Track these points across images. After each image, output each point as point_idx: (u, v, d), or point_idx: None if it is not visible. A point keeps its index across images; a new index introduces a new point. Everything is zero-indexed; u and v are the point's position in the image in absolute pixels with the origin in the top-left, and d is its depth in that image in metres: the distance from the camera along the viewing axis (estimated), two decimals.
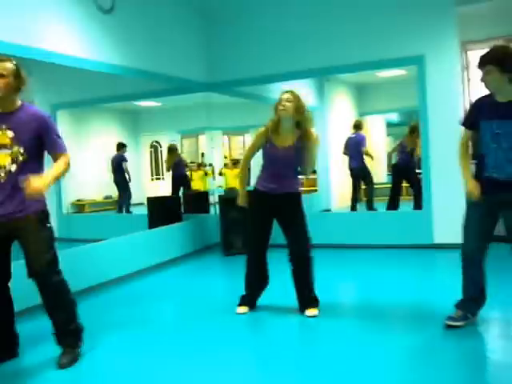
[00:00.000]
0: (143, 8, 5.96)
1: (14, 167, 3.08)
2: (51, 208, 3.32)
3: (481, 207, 3.35)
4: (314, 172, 9.77)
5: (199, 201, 7.98)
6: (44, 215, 3.19)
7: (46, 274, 3.13)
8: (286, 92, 3.89)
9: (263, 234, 4.02)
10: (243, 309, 4.08)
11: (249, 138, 10.15)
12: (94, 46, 5.24)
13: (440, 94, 6.10)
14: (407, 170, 7.91)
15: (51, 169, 3.15)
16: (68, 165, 3.19)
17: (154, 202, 7.53)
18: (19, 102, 3.18)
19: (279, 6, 6.75)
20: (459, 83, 6.26)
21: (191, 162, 9.71)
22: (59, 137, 3.23)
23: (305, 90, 9.03)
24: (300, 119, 3.86)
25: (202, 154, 9.70)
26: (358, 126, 8.64)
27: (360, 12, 6.40)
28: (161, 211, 7.19)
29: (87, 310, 3.56)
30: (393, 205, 7.91)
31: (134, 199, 9.15)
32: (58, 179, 3.23)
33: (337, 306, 4.26)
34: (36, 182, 2.95)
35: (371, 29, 6.33)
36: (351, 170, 8.61)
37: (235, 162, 8.71)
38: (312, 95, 9.22)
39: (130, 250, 5.78)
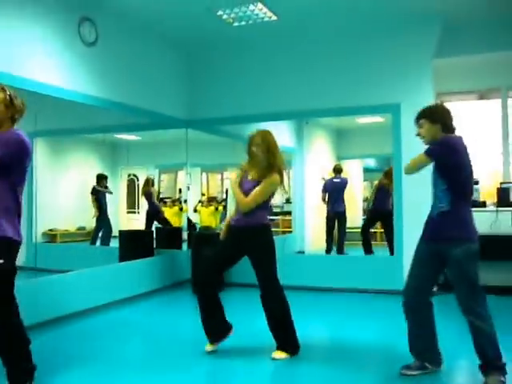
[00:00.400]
0: (126, 43, 6.04)
1: None
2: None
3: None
4: (289, 213, 9.83)
5: (172, 236, 7.92)
6: None
7: None
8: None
9: None
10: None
11: (227, 176, 10.19)
12: (75, 77, 5.28)
13: (414, 142, 6.18)
14: (386, 213, 7.97)
15: None
16: None
17: (127, 236, 7.45)
18: (9, 129, 3.14)
19: (261, 48, 6.90)
20: None
21: (167, 198, 9.68)
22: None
23: (284, 130, 9.18)
24: (272, 161, 3.90)
25: (180, 190, 9.70)
26: (339, 170, 8.70)
27: (341, 59, 6.59)
28: (133, 245, 7.11)
29: (48, 343, 3.47)
30: (368, 249, 7.96)
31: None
32: None
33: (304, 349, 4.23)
34: None
35: (350, 76, 6.50)
36: (336, 213, 8.57)
37: (210, 200, 8.71)
38: (291, 137, 9.34)
39: (97, 282, 5.69)
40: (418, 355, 3.48)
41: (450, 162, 3.28)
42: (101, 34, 5.58)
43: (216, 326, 3.98)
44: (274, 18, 5.98)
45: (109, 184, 9.17)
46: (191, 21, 6.13)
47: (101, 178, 8.85)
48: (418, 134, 3.56)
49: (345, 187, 8.56)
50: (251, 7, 5.66)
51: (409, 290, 3.51)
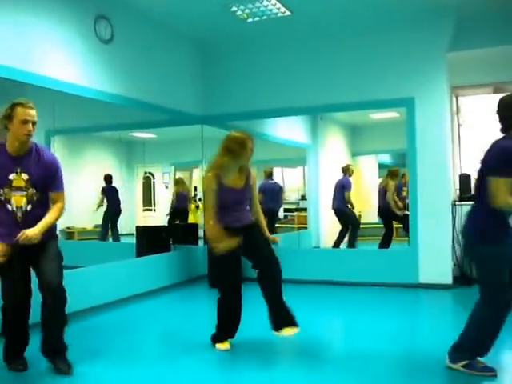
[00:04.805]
0: (141, 40, 6.10)
1: (29, 207, 3.33)
2: None
3: None
4: (305, 210, 9.84)
5: (189, 232, 7.98)
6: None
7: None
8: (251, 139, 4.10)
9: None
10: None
11: None
12: (91, 74, 5.35)
13: (428, 136, 6.22)
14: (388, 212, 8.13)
15: (46, 217, 3.35)
16: (62, 210, 3.44)
17: (143, 232, 7.52)
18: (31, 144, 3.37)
19: (275, 43, 6.92)
20: (448, 126, 6.39)
21: None
22: (62, 177, 3.45)
23: (298, 127, 9.20)
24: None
25: (195, 188, 9.77)
26: (344, 171, 8.75)
27: (354, 53, 6.60)
28: (149, 241, 7.18)
29: (69, 337, 3.54)
30: (384, 244, 7.99)
31: (128, 229, 9.12)
32: (50, 225, 3.39)
33: (318, 345, 4.26)
34: (30, 234, 3.20)
35: (364, 70, 6.51)
36: (334, 210, 8.68)
37: None
38: (305, 134, 9.36)
39: (116, 277, 5.76)
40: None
41: None
42: (116, 32, 5.64)
43: (237, 324, 4.03)
44: (288, 13, 6.00)
45: (124, 182, 9.28)
46: (206, 17, 6.17)
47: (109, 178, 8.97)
48: None
49: (344, 187, 8.52)
50: (265, 3, 5.69)
51: None
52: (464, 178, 6.66)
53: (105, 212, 8.77)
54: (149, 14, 6.00)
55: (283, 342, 4.07)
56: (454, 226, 6.30)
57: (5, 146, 3.29)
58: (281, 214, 10.03)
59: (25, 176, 3.29)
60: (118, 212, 8.81)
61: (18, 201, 3.30)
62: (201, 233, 7.86)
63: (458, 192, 6.69)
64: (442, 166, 6.21)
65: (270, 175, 9.24)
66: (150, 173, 10.40)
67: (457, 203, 6.43)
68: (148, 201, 10.44)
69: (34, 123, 3.27)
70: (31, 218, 3.31)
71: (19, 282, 3.38)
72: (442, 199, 6.21)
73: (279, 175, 10.48)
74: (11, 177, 3.27)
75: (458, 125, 7.19)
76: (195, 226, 8.18)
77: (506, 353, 3.88)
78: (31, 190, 3.32)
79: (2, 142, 3.31)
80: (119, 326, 4.84)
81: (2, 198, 3.29)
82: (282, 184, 9.92)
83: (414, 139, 6.28)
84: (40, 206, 3.36)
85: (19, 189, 3.29)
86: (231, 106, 7.14)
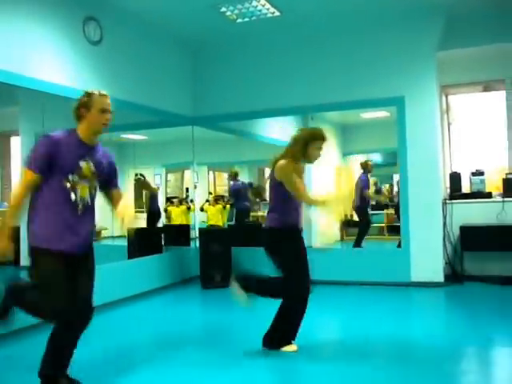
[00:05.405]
0: (130, 41, 6.09)
1: (89, 200, 3.10)
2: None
3: None
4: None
5: (180, 234, 7.97)
6: None
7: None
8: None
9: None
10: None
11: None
12: (80, 75, 5.33)
13: (418, 135, 6.25)
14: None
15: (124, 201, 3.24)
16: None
17: (135, 233, 7.50)
18: None
19: (264, 44, 6.93)
20: (438, 125, 6.41)
21: (174, 197, 9.71)
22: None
23: (289, 127, 9.20)
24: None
25: (187, 189, 9.74)
26: (363, 167, 8.76)
27: (344, 52, 6.61)
28: (141, 242, 7.16)
29: None
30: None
31: (119, 231, 9.07)
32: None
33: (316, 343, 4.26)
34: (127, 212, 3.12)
35: (354, 69, 6.52)
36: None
37: (217, 199, 8.76)
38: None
39: (107, 279, 5.72)
40: None
41: None
42: (105, 33, 5.63)
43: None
44: (277, 13, 6.01)
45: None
46: (195, 18, 6.17)
47: None
48: None
49: (358, 185, 8.57)
50: (254, 3, 5.69)
51: None
52: (454, 177, 6.70)
53: None
54: (138, 16, 5.99)
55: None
56: (444, 224, 6.33)
57: (77, 133, 3.06)
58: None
59: (92, 167, 3.06)
60: None
61: (83, 191, 3.04)
62: (192, 234, 7.85)
63: (448, 190, 6.72)
64: (433, 165, 6.24)
65: (235, 176, 9.38)
66: (141, 174, 10.37)
67: (447, 201, 6.47)
68: (139, 202, 10.40)
69: (110, 113, 3.12)
70: (88, 214, 3.08)
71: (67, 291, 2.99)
72: (432, 198, 6.24)
73: None
74: (81, 164, 3.02)
75: (448, 123, 7.22)
76: (187, 227, 8.16)
77: (498, 349, 3.91)
78: (94, 183, 3.11)
79: (73, 129, 3.08)
80: (111, 328, 4.81)
81: (69, 185, 2.98)
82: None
83: (405, 138, 6.30)
84: (93, 202, 3.14)
85: (85, 178, 3.04)
86: (222, 107, 7.13)
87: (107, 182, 3.22)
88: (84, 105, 3.08)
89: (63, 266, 2.94)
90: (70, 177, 2.97)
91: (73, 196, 2.98)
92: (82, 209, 3.02)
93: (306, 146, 3.78)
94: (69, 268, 2.98)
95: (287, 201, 3.75)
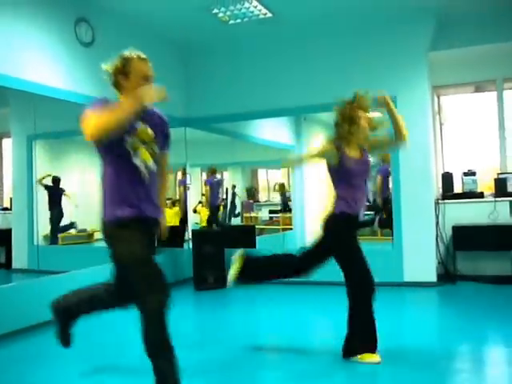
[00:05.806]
0: (122, 42, 5.98)
1: (154, 167, 2.78)
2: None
3: None
4: (290, 211, 9.86)
5: (173, 235, 7.95)
6: None
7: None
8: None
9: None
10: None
11: (227, 176, 10.22)
12: (72, 77, 5.32)
13: (410, 135, 6.16)
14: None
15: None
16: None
17: None
18: None
19: (257, 45, 6.95)
20: (430, 125, 6.43)
21: (167, 199, 9.67)
22: None
23: (282, 128, 9.22)
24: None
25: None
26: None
27: (336, 53, 6.63)
28: None
29: (52, 341, 3.52)
30: None
31: None
32: None
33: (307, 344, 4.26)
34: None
35: (346, 70, 6.53)
36: None
37: None
38: (289, 134, 9.36)
39: (101, 280, 5.70)
40: None
41: None
42: (97, 34, 5.62)
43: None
44: (270, 14, 6.02)
45: None
46: (187, 19, 6.17)
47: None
48: None
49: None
50: (246, 4, 5.70)
51: None
52: (446, 177, 6.73)
53: None
54: (130, 17, 5.98)
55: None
56: (437, 224, 6.36)
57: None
58: (265, 215, 10.05)
59: (150, 131, 2.75)
60: None
61: (146, 155, 2.70)
62: (186, 235, 7.84)
63: (440, 190, 6.75)
64: (425, 165, 6.26)
65: (214, 172, 9.38)
66: None
67: (440, 201, 6.49)
68: None
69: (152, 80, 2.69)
70: (153, 183, 2.74)
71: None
72: (425, 198, 6.26)
73: (264, 177, 10.49)
74: (137, 125, 2.70)
75: (440, 124, 7.25)
76: (180, 229, 8.15)
77: (490, 348, 3.92)
78: (155, 149, 2.76)
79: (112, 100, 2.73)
80: (104, 330, 4.79)
81: (128, 149, 2.64)
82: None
83: None
84: (155, 173, 2.77)
85: (144, 142, 2.70)
86: (214, 108, 7.13)
87: (163, 144, 2.92)
88: (120, 71, 2.75)
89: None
90: (127, 138, 2.66)
91: (135, 161, 2.68)
92: (147, 176, 2.73)
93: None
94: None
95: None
